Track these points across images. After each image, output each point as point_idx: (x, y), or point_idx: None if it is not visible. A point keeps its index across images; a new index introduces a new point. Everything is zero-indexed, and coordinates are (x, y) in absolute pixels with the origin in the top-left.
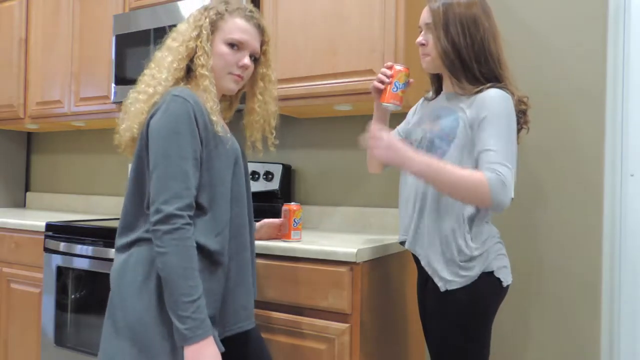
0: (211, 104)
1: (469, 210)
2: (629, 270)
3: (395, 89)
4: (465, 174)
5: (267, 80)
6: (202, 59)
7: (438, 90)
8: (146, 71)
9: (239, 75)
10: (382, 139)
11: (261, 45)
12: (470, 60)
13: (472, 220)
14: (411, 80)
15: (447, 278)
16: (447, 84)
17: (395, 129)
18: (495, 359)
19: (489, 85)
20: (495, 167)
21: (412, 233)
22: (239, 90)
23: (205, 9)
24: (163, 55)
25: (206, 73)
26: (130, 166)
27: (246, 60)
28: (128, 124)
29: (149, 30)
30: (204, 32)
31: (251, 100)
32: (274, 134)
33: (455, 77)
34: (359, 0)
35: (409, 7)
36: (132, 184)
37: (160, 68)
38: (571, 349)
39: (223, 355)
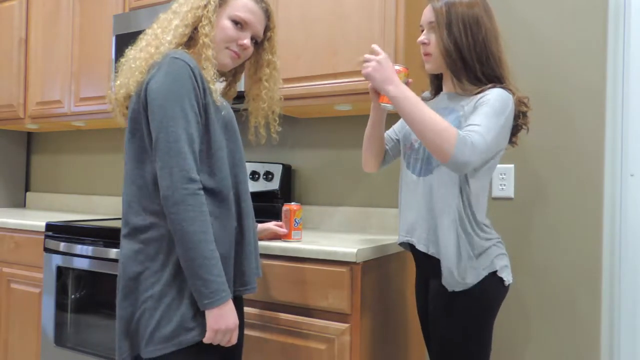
0: (211, 73)
1: (480, 211)
2: (629, 270)
3: None
4: (438, 118)
5: (273, 67)
6: (206, 28)
7: (437, 90)
8: (148, 31)
9: (236, 53)
10: (377, 58)
11: (266, 31)
12: (472, 60)
13: (483, 219)
14: (410, 80)
15: (457, 279)
16: (448, 83)
17: (391, 128)
18: (495, 359)
19: (490, 85)
20: (471, 130)
21: (424, 234)
22: (236, 74)
23: None
24: (169, 17)
25: (210, 43)
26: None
27: (246, 41)
28: (124, 80)
29: None
30: (212, 3)
31: (256, 87)
32: (277, 122)
33: (457, 76)
34: (359, 0)
35: (409, 7)
36: (133, 150)
37: (165, 29)
38: (571, 348)
39: None
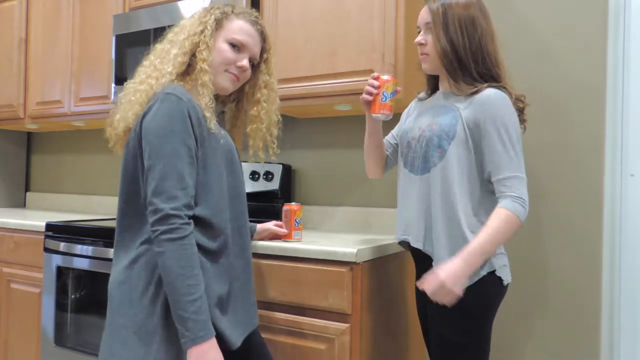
0: (207, 100)
1: (477, 210)
2: (629, 270)
3: (384, 99)
4: (499, 226)
5: (270, 88)
6: (204, 53)
7: (434, 90)
8: (145, 63)
9: (235, 75)
10: (441, 286)
11: (262, 52)
12: (467, 59)
13: (480, 219)
14: (398, 88)
15: None
16: (445, 83)
17: (389, 133)
18: (495, 359)
19: (485, 85)
20: (515, 194)
21: (421, 232)
22: (239, 101)
23: (212, 7)
24: (166, 47)
25: (207, 68)
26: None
27: (245, 62)
28: (123, 114)
29: (149, 30)
30: (209, 28)
31: (254, 108)
32: (276, 144)
33: (453, 76)
34: (359, 0)
35: (409, 7)
36: (126, 184)
37: (164, 60)
38: (571, 348)
39: (232, 357)
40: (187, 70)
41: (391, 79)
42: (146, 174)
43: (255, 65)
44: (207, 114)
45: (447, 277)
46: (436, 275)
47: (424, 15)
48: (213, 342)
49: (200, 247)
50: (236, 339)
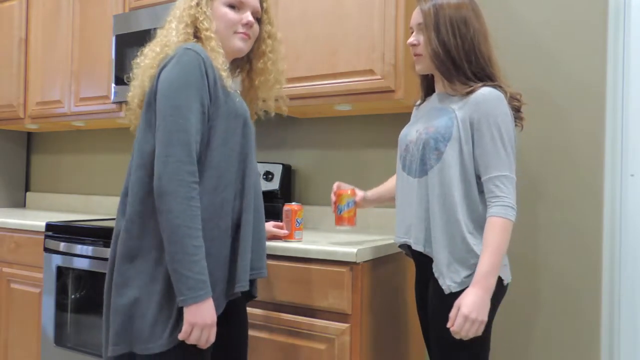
0: (220, 62)
1: (475, 211)
2: (629, 270)
3: (339, 212)
4: (500, 239)
5: (274, 37)
6: (205, 23)
7: (429, 93)
8: (150, 43)
9: (244, 33)
10: (468, 321)
11: (261, 3)
12: (460, 59)
13: (478, 219)
14: (357, 198)
15: (455, 280)
16: (439, 84)
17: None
18: (495, 359)
19: (480, 84)
20: (502, 196)
21: (422, 235)
22: (251, 64)
23: None
24: (167, 24)
25: (211, 35)
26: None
27: (250, 18)
28: (138, 80)
29: (149, 30)
30: None
31: (261, 60)
32: (284, 97)
33: (447, 77)
34: (359, 0)
35: (409, 7)
36: (140, 139)
37: (167, 32)
38: (571, 348)
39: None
40: (197, 42)
41: (344, 192)
42: (157, 126)
43: (259, 19)
44: (224, 74)
45: (470, 310)
46: (460, 313)
47: (415, 16)
48: (210, 302)
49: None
50: (244, 283)
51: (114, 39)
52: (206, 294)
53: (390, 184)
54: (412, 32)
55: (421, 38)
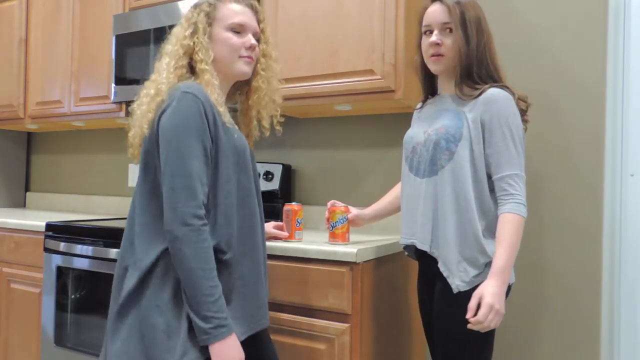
0: (215, 96)
1: (487, 211)
2: (629, 270)
3: (331, 228)
4: (515, 235)
5: (269, 56)
6: (200, 54)
7: (432, 93)
8: (146, 83)
9: (248, 57)
10: (492, 310)
11: (258, 24)
12: (475, 62)
13: (489, 219)
14: (350, 216)
15: (464, 279)
16: (445, 85)
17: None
18: (496, 358)
19: (488, 86)
20: (515, 193)
21: (428, 235)
22: (237, 92)
23: (196, 6)
24: (161, 61)
25: (207, 67)
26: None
27: (253, 41)
28: (136, 129)
29: (149, 30)
30: (200, 26)
31: (254, 79)
32: (279, 112)
33: (462, 78)
34: (359, 0)
35: (409, 7)
36: (142, 183)
37: (160, 71)
38: (571, 348)
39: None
40: (195, 71)
41: (338, 208)
42: (163, 172)
43: (259, 40)
44: (221, 109)
45: (494, 300)
46: (485, 302)
47: (438, 15)
48: (234, 337)
49: None
50: (239, 334)
51: (114, 39)
52: (228, 330)
53: (389, 197)
54: (427, 32)
55: (445, 38)
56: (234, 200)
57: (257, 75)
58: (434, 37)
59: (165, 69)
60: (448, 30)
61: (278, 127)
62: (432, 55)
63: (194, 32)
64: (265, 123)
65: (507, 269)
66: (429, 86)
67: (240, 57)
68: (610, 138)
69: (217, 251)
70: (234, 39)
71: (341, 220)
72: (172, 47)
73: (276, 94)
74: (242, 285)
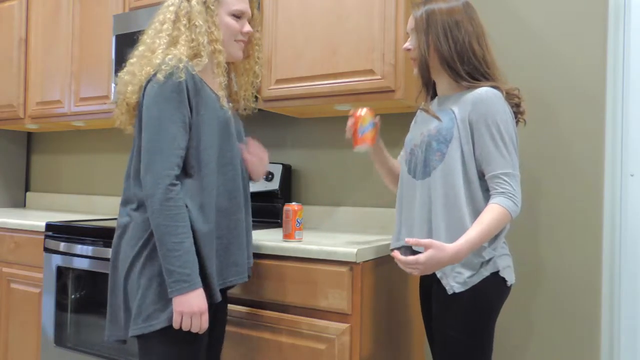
0: (221, 79)
1: (479, 211)
2: (629, 270)
3: (361, 133)
4: (492, 218)
5: (258, 40)
6: (215, 34)
7: (433, 96)
8: (135, 52)
9: (243, 41)
10: (418, 264)
11: (252, 11)
12: (453, 60)
13: (477, 215)
14: (376, 120)
15: (458, 280)
16: (440, 87)
17: (400, 153)
18: (495, 358)
19: (477, 84)
20: (507, 190)
21: (423, 236)
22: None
23: None
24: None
25: (221, 48)
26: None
27: (249, 27)
28: (127, 92)
29: None
30: (211, 7)
31: (247, 62)
32: (256, 87)
33: (440, 78)
34: (359, 0)
35: (409, 7)
36: (135, 149)
37: (153, 39)
38: (571, 348)
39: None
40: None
41: (366, 113)
42: (142, 135)
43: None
44: (220, 93)
45: (427, 262)
46: (420, 256)
47: (409, 21)
48: (198, 292)
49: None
50: (215, 287)
51: (114, 39)
52: (190, 285)
53: (397, 164)
54: (409, 38)
55: (414, 43)
56: (215, 166)
57: (249, 58)
58: (406, 43)
59: (158, 43)
60: (415, 35)
61: (253, 105)
62: (411, 59)
63: (206, 11)
64: (252, 103)
65: (469, 250)
66: (428, 88)
67: (236, 40)
68: (610, 138)
69: (198, 211)
70: (235, 24)
71: (371, 124)
72: (170, 25)
73: (259, 75)
74: (221, 245)
